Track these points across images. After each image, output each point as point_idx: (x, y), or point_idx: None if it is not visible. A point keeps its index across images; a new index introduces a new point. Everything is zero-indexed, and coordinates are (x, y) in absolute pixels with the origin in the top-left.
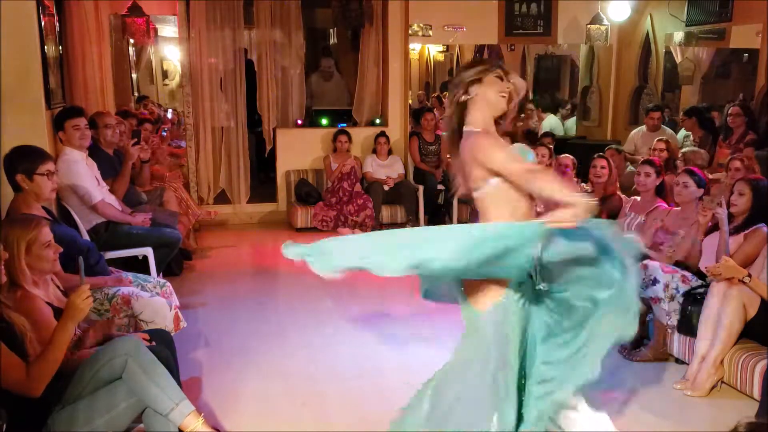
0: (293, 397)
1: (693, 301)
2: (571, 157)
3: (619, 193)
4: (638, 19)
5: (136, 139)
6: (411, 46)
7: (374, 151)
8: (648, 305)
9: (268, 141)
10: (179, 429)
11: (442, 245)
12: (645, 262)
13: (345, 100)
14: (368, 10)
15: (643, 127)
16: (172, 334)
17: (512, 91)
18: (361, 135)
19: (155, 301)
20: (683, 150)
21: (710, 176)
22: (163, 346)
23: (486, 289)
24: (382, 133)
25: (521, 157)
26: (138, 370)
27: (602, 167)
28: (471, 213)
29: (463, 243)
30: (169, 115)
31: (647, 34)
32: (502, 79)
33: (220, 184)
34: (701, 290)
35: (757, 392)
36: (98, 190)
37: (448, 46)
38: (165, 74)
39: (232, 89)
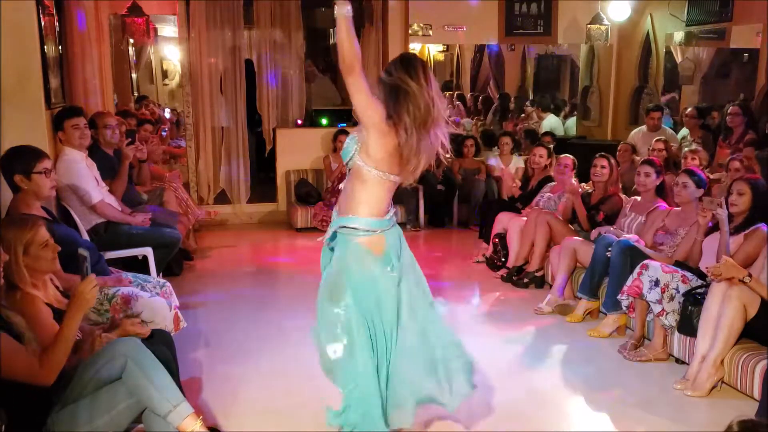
0: (293, 397)
1: (693, 301)
2: (572, 157)
3: (620, 193)
4: (638, 19)
5: (130, 139)
6: (411, 46)
7: None
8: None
9: (268, 141)
10: (178, 430)
11: None
12: (645, 262)
13: (335, 99)
14: (368, 10)
15: (644, 127)
16: (172, 334)
17: None
18: None
19: (155, 301)
20: (685, 149)
21: (710, 176)
22: (163, 346)
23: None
24: None
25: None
26: (137, 371)
27: (602, 167)
28: (471, 213)
29: None
30: (168, 115)
31: (647, 34)
32: None
33: (220, 184)
34: (701, 290)
35: (757, 392)
36: (98, 190)
37: (448, 46)
38: (165, 74)
39: (231, 89)
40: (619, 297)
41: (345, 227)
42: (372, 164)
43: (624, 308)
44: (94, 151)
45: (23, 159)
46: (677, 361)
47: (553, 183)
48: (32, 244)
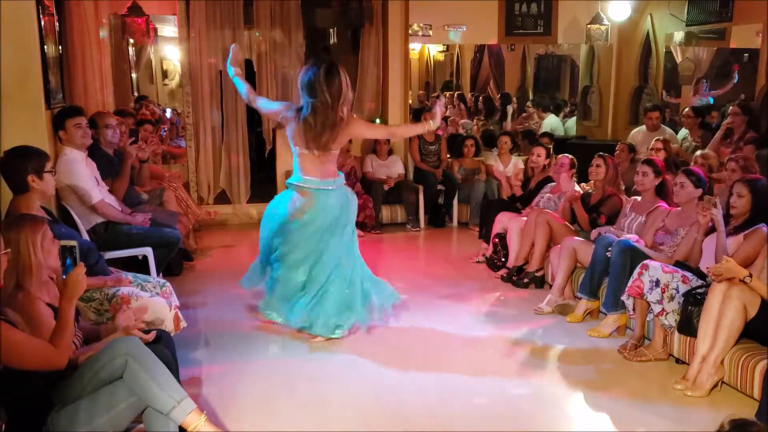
0: (293, 397)
1: (693, 301)
2: (570, 156)
3: (620, 194)
4: (638, 18)
5: (133, 138)
6: (411, 46)
7: (374, 151)
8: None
9: (268, 141)
10: (180, 427)
11: None
12: (645, 262)
13: None
14: (368, 10)
15: (643, 127)
16: (172, 334)
17: None
18: None
19: (155, 301)
20: (696, 153)
21: (712, 176)
22: (163, 346)
23: None
24: None
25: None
26: (139, 369)
27: (597, 165)
28: (471, 213)
29: None
30: (168, 115)
31: (647, 33)
32: None
33: (220, 184)
34: (701, 290)
35: (757, 392)
36: (98, 190)
37: (448, 46)
38: (165, 74)
39: (231, 89)
40: (623, 298)
41: (290, 183)
42: (292, 144)
43: (630, 309)
44: (95, 151)
45: (35, 159)
46: (677, 361)
47: (552, 183)
48: (45, 239)
